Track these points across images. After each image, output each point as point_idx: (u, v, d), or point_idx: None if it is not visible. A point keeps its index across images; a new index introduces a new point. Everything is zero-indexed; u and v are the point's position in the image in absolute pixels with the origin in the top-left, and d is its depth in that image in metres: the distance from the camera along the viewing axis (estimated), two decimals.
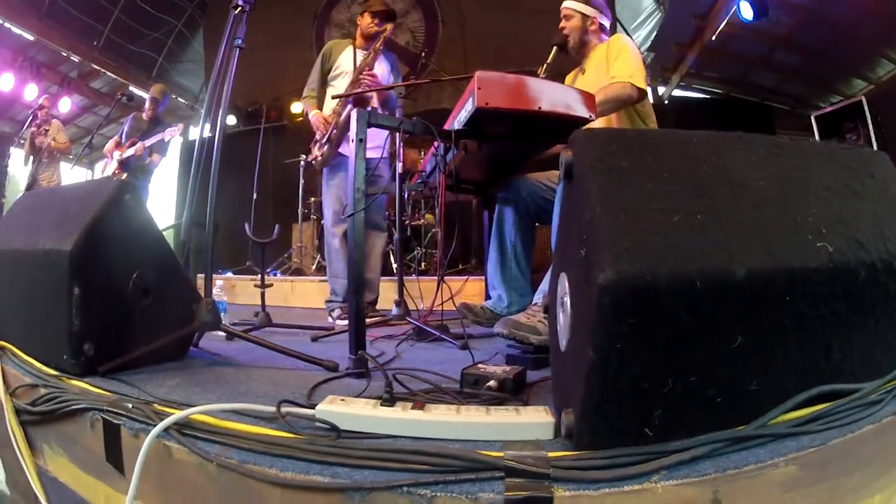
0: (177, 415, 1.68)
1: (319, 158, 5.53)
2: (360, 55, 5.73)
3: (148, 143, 8.26)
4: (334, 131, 5.43)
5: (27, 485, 2.21)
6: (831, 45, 10.20)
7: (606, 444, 1.45)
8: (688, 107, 13.00)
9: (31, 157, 9.20)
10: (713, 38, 10.41)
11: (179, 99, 15.95)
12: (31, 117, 9.57)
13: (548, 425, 1.63)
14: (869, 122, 10.52)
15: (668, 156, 1.71)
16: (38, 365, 2.60)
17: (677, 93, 13.11)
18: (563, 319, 1.78)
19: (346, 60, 5.80)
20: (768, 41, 10.63)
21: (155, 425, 1.66)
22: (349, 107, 5.31)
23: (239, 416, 1.78)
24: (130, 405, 1.92)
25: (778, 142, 1.87)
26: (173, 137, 8.47)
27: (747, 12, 9.02)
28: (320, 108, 5.82)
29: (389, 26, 5.81)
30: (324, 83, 5.89)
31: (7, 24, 11.73)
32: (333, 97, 5.62)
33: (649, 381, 1.45)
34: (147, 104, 8.74)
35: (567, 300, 1.72)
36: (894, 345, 1.75)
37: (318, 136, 5.61)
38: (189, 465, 1.62)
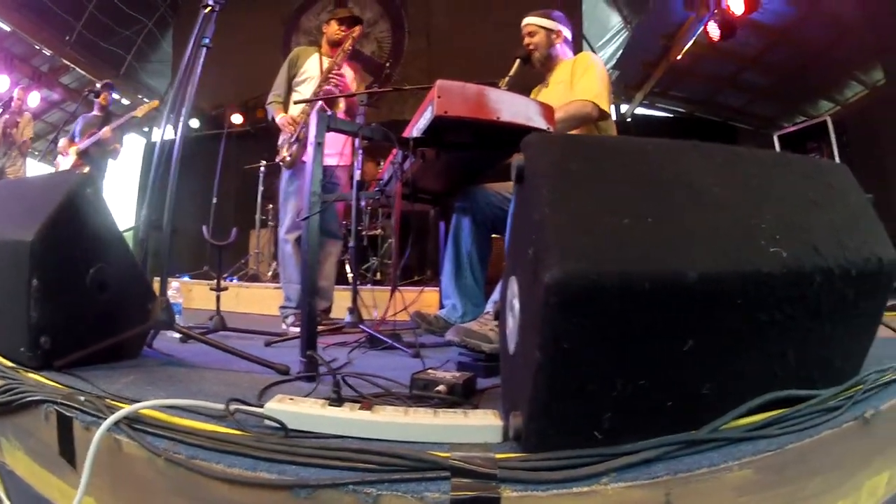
0: (127, 409, 1.68)
1: (288, 158, 5.52)
2: (327, 62, 5.76)
3: (114, 125, 8.28)
4: (304, 130, 5.43)
5: None
6: (800, 66, 10.32)
7: (555, 447, 1.46)
8: (650, 125, 13.09)
9: (2, 149, 9.11)
10: (679, 57, 10.49)
11: (145, 99, 15.85)
12: (1, 107, 9.47)
13: (496, 428, 1.64)
14: (833, 142, 10.59)
15: (621, 161, 1.74)
16: None
17: (640, 111, 13.19)
18: (511, 322, 1.80)
19: (312, 66, 5.85)
20: (736, 61, 10.73)
21: (106, 418, 1.66)
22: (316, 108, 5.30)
23: (189, 412, 1.78)
24: (83, 398, 1.92)
25: (735, 150, 1.91)
26: (130, 120, 8.49)
27: (714, 32, 9.11)
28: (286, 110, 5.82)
29: (358, 28, 5.88)
30: (289, 89, 5.91)
31: None
32: (297, 102, 5.66)
33: (597, 383, 1.46)
34: (100, 98, 8.75)
35: (516, 303, 1.73)
36: (854, 352, 1.78)
37: (285, 136, 5.61)
38: (138, 460, 1.62)
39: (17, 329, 2.55)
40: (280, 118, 5.72)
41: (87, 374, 2.45)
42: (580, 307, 1.41)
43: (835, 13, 8.90)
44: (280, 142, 5.70)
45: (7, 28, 12.24)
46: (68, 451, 1.86)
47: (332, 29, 5.90)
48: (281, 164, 5.68)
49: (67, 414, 1.88)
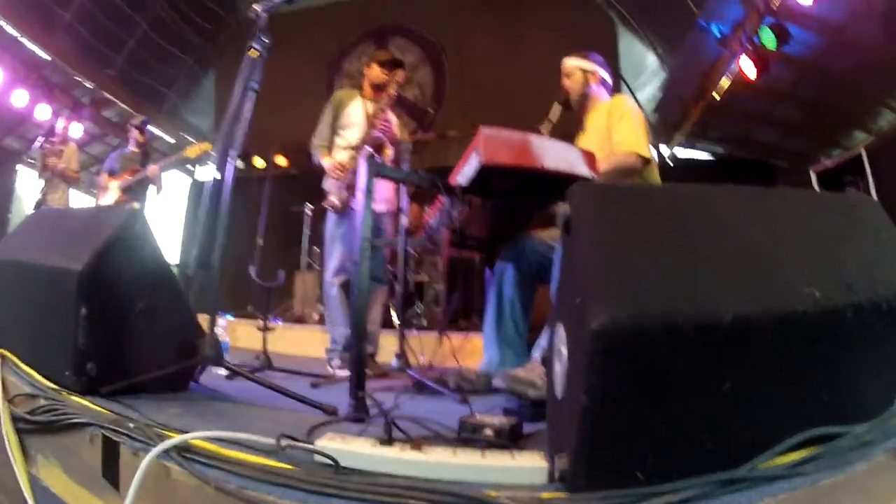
0: (179, 437, 1.71)
1: (339, 204, 5.55)
2: (370, 106, 5.78)
3: (164, 164, 8.36)
4: (353, 176, 5.43)
5: (17, 490, 2.22)
6: (832, 97, 10.18)
7: (598, 487, 1.47)
8: (690, 168, 13.01)
9: (43, 176, 9.18)
10: (716, 95, 10.43)
11: (187, 137, 16.00)
12: (44, 135, 9.56)
13: (542, 470, 1.64)
14: (869, 174, 10.50)
15: (659, 208, 1.79)
16: (38, 377, 2.64)
17: (681, 152, 13.11)
18: (559, 368, 1.81)
19: (355, 110, 5.86)
20: (770, 97, 10.60)
21: (155, 445, 1.69)
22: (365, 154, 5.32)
23: (239, 445, 1.81)
24: (132, 425, 1.95)
25: (767, 192, 1.94)
26: (182, 160, 8.64)
27: (748, 69, 9.08)
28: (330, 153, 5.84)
29: (401, 72, 5.90)
30: (332, 133, 5.91)
31: (23, 39, 11.76)
32: (347, 147, 5.67)
33: (640, 425, 1.48)
34: (135, 133, 8.79)
35: (563, 349, 1.74)
36: (885, 383, 1.77)
37: (333, 181, 5.63)
38: (186, 487, 1.64)
39: (62, 353, 2.59)
40: (327, 164, 5.71)
41: (134, 402, 2.48)
42: (624, 352, 1.44)
43: (862, 41, 8.78)
44: (327, 186, 5.72)
45: (46, 57, 12.36)
46: (112, 473, 1.90)
47: (375, 72, 5.90)
48: (330, 209, 5.71)
49: (115, 438, 1.92)
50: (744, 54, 8.95)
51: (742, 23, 8.99)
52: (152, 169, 8.22)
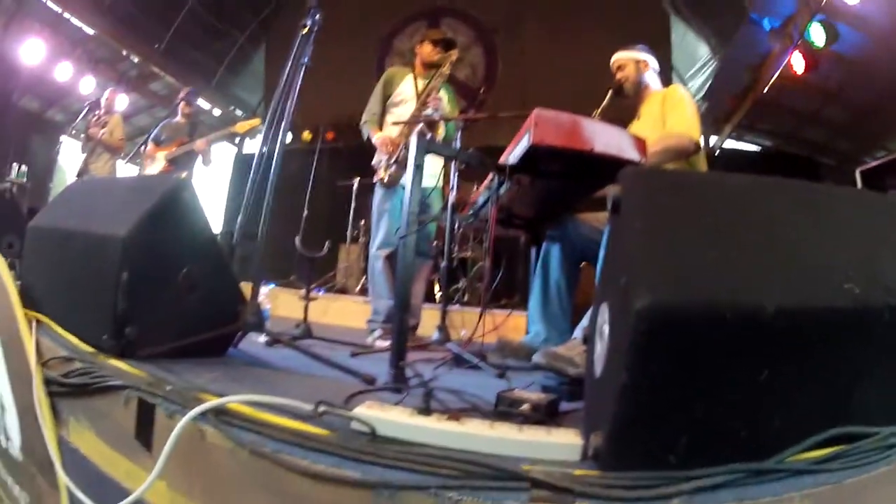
0: (216, 401, 1.73)
1: (386, 179, 5.55)
2: (421, 83, 5.80)
3: (212, 137, 8.45)
4: (403, 151, 5.44)
5: (44, 452, 2.25)
6: (877, 99, 10.08)
7: (630, 468, 1.47)
8: (737, 159, 12.93)
9: (87, 146, 9.24)
10: (765, 90, 10.33)
11: (237, 111, 16.07)
12: (88, 107, 9.62)
13: (576, 447, 1.64)
14: None
15: (708, 196, 1.79)
16: (74, 340, 2.67)
17: (728, 144, 13.02)
18: (600, 347, 1.81)
19: (407, 88, 5.88)
20: (818, 95, 10.49)
21: (191, 408, 1.70)
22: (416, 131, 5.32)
23: (276, 410, 1.82)
24: (169, 387, 1.97)
25: (814, 187, 1.94)
26: (230, 135, 8.74)
27: (798, 65, 8.97)
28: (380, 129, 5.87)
29: (454, 52, 5.89)
30: (384, 109, 5.94)
31: (67, 15, 11.84)
32: (395, 123, 5.69)
33: (677, 407, 1.48)
34: (181, 106, 8.89)
35: (606, 328, 1.74)
36: None
37: (382, 156, 5.64)
38: (221, 450, 1.66)
39: (100, 318, 2.62)
40: (377, 138, 5.73)
41: (172, 366, 2.51)
42: (666, 333, 1.44)
43: None
44: (375, 161, 5.73)
45: (91, 31, 12.47)
46: (145, 435, 1.92)
47: (427, 50, 5.91)
48: (378, 183, 5.71)
49: (150, 401, 1.95)
50: (794, 49, 8.85)
51: (793, 17, 8.91)
52: (199, 143, 8.30)
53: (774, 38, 9.32)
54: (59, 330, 2.76)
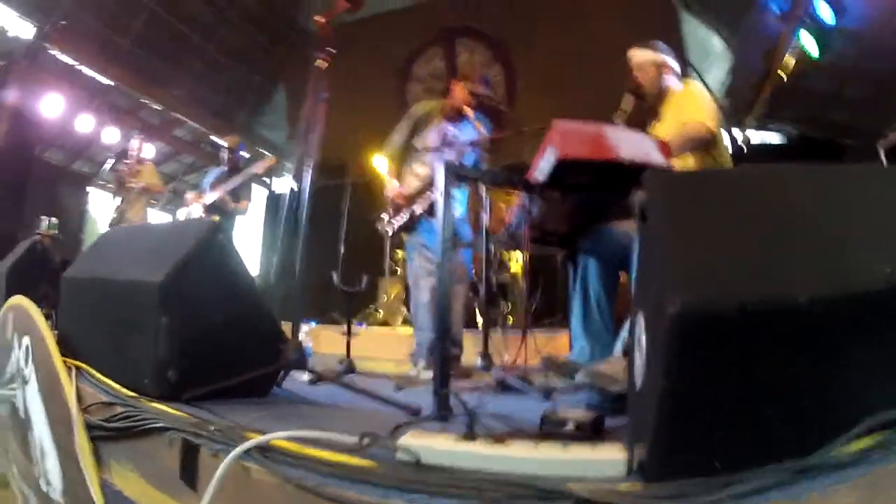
0: (259, 438, 1.74)
1: (389, 232, 5.61)
2: (451, 130, 5.80)
3: (227, 187, 8.37)
4: (413, 209, 5.56)
5: (87, 496, 2.28)
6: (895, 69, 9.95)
7: (676, 477, 1.46)
8: (762, 151, 12.81)
9: (120, 196, 9.31)
10: (782, 74, 10.22)
11: (263, 152, 16.15)
12: (115, 157, 9.71)
13: (621, 462, 1.63)
14: None
15: (731, 192, 1.79)
16: (115, 386, 2.70)
17: (753, 135, 12.88)
18: (639, 358, 1.80)
19: (434, 136, 5.85)
20: (835, 74, 10.32)
21: (236, 447, 1.71)
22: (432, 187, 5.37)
23: (321, 444, 1.82)
24: (213, 427, 1.99)
25: (835, 170, 1.93)
26: (251, 177, 8.64)
27: (811, 46, 8.90)
28: (399, 168, 5.92)
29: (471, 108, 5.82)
30: (408, 146, 5.91)
31: (80, 68, 11.89)
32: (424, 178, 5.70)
33: (718, 410, 1.47)
34: (225, 155, 8.96)
35: (644, 337, 1.74)
36: None
37: (391, 210, 5.71)
38: (267, 485, 1.66)
39: (141, 362, 2.68)
40: (390, 190, 5.79)
41: (214, 407, 2.52)
42: (701, 336, 1.44)
43: None
44: (385, 217, 5.82)
45: (108, 82, 12.47)
46: (190, 475, 1.94)
47: (461, 96, 5.84)
48: (381, 232, 5.76)
49: (195, 441, 1.97)
50: (803, 29, 8.76)
51: None
52: (221, 195, 8.27)
53: (784, 19, 9.22)
54: (99, 376, 2.80)
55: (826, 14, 8.36)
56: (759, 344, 1.47)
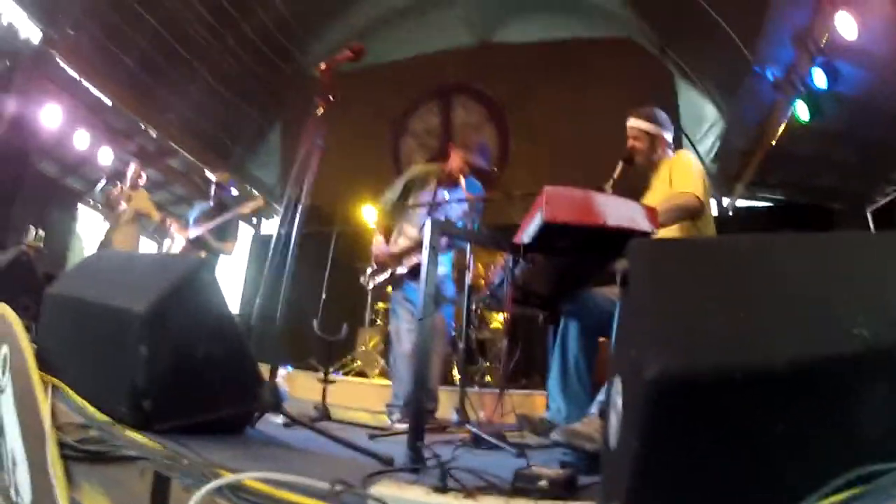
0: (233, 476, 1.73)
1: (371, 287, 5.66)
2: (445, 196, 5.85)
3: (210, 225, 8.37)
4: (389, 276, 5.71)
5: None
6: (886, 133, 9.95)
7: None
8: (749, 218, 12.85)
9: (108, 219, 9.28)
10: (773, 142, 10.26)
11: (254, 191, 16.06)
12: (107, 179, 9.67)
13: None
14: None
15: (714, 260, 1.84)
16: (90, 409, 2.70)
17: (741, 202, 12.93)
18: (614, 419, 1.81)
19: (428, 197, 5.93)
20: (826, 139, 10.31)
21: (208, 482, 1.70)
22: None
23: (293, 488, 1.81)
24: (186, 461, 1.98)
25: (820, 237, 2.00)
26: (237, 217, 8.65)
27: (803, 112, 8.94)
28: (388, 223, 6.04)
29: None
30: (402, 203, 5.99)
31: (85, 83, 11.84)
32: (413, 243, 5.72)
33: (692, 471, 1.49)
34: (212, 191, 8.94)
35: (619, 400, 1.75)
36: None
37: (374, 266, 5.80)
38: None
39: (118, 389, 2.66)
40: (376, 248, 5.90)
41: (188, 441, 2.49)
42: (677, 401, 1.47)
43: None
44: (369, 271, 5.92)
45: (108, 101, 12.39)
46: None
47: (458, 165, 5.97)
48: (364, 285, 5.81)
49: (166, 473, 1.96)
50: (798, 98, 8.84)
51: (794, 65, 8.89)
52: (203, 234, 8.26)
53: (778, 87, 9.29)
54: (75, 396, 2.79)
55: (820, 79, 8.43)
56: (734, 408, 1.48)
